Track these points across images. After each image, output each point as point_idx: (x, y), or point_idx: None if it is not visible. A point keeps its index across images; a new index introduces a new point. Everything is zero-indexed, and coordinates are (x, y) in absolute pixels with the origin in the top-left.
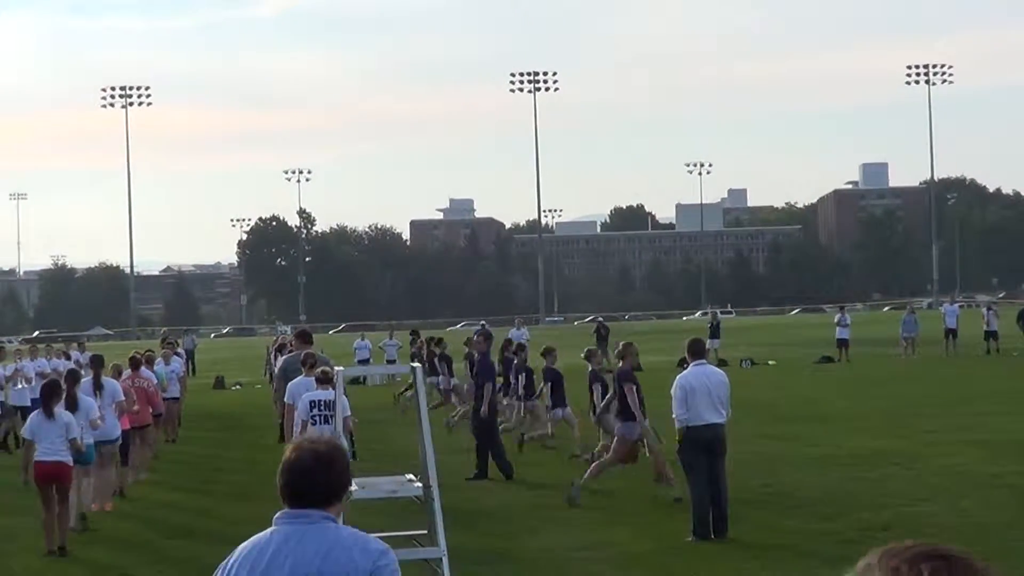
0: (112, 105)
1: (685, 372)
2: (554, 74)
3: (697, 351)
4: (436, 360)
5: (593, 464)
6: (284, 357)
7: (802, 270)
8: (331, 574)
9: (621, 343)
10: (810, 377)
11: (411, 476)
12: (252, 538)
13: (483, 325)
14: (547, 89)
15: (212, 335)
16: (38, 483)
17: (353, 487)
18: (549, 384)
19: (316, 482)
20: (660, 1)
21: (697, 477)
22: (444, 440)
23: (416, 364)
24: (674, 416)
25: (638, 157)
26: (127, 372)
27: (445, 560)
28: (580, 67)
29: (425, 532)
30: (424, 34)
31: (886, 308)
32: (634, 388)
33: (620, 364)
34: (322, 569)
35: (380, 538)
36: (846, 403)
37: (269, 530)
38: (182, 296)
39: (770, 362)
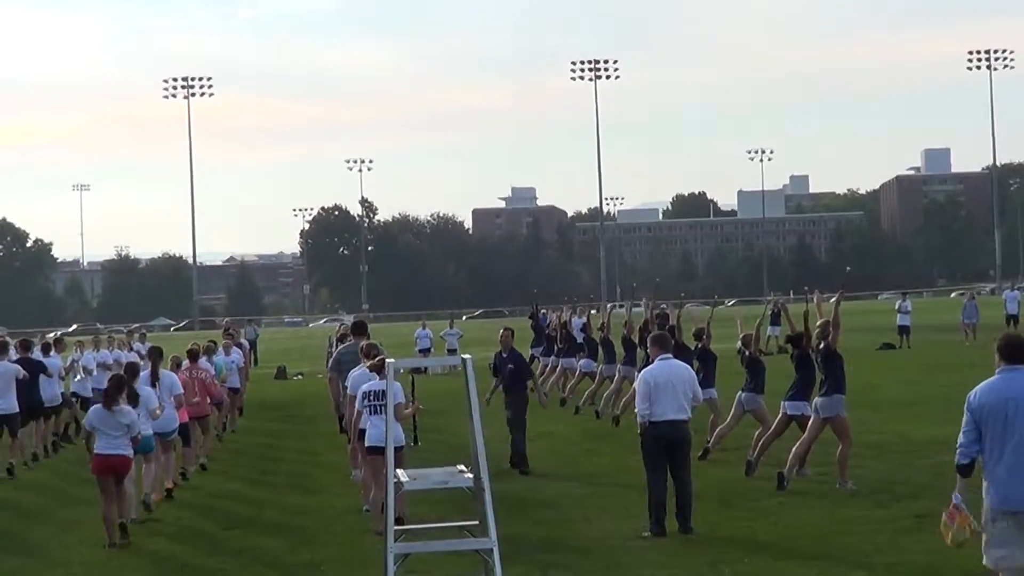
0: (175, 95)
1: (650, 367)
2: (615, 62)
3: (664, 345)
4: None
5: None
6: (338, 349)
7: (864, 256)
8: None
9: (820, 321)
10: (870, 364)
11: (462, 467)
12: (983, 383)
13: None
14: (608, 77)
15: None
16: (97, 475)
17: (404, 477)
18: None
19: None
20: None
21: (656, 474)
22: (502, 430)
23: (467, 356)
24: (642, 413)
25: (699, 144)
26: (185, 363)
27: (495, 551)
28: (641, 55)
29: (478, 523)
30: (485, 23)
31: (952, 294)
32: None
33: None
34: None
35: (429, 528)
36: (906, 390)
37: (995, 377)
38: (245, 286)
39: None
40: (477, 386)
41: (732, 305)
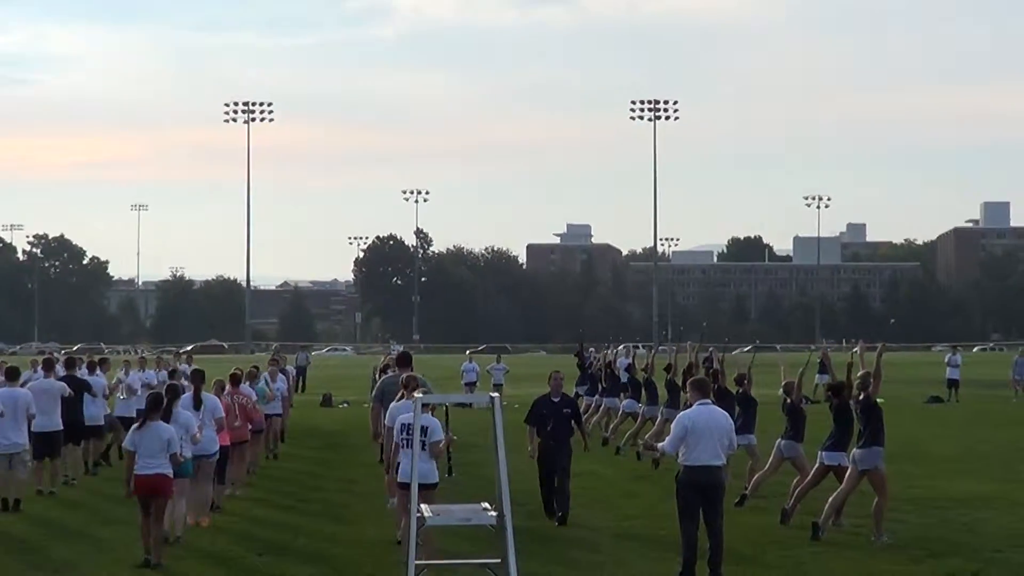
0: (235, 120)
1: (689, 411)
2: (675, 103)
3: (703, 390)
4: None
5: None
6: (382, 379)
7: (919, 308)
8: None
9: (861, 372)
10: (917, 416)
11: (486, 504)
12: None
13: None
14: (667, 118)
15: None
16: (137, 495)
17: (427, 513)
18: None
19: None
20: (782, 34)
21: (689, 519)
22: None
23: (495, 394)
24: (668, 453)
25: (756, 188)
26: (228, 387)
27: None
28: (700, 97)
29: (500, 560)
30: (546, 59)
31: (975, 348)
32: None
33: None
34: None
35: (451, 564)
36: (950, 444)
37: None
38: (297, 312)
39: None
40: (508, 425)
41: (747, 351)
